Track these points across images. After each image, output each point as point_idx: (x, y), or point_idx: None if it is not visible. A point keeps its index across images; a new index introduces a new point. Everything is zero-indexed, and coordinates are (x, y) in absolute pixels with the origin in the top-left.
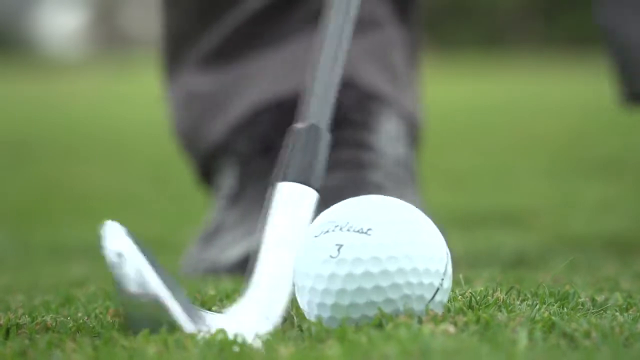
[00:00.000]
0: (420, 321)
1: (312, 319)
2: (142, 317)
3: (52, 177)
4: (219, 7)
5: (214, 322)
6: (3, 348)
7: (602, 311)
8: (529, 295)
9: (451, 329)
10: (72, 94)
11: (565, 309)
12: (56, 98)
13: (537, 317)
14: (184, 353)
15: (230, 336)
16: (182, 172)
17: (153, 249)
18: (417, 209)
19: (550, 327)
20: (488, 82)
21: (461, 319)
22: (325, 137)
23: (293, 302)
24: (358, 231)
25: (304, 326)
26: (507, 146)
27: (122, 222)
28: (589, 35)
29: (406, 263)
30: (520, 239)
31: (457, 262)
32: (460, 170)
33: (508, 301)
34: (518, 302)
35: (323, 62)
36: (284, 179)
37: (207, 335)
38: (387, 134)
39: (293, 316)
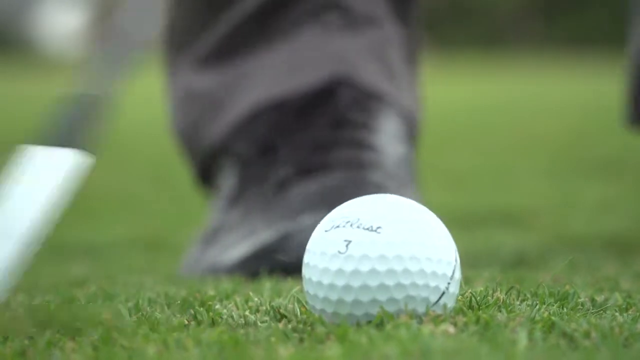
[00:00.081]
0: (420, 321)
1: (317, 313)
2: None
3: None
4: (217, 5)
5: None
6: (3, 348)
7: (601, 311)
8: (528, 295)
9: (451, 329)
10: None
11: (565, 309)
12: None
13: (537, 317)
14: (184, 353)
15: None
16: (182, 172)
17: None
18: (430, 211)
19: (550, 327)
20: (488, 82)
21: (461, 319)
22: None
23: (294, 299)
24: (368, 229)
25: (306, 324)
26: (507, 146)
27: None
28: (589, 35)
29: (413, 264)
30: (520, 239)
31: None
32: (460, 170)
33: (508, 301)
34: (518, 302)
35: None
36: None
37: (208, 335)
38: (387, 133)
39: (295, 314)
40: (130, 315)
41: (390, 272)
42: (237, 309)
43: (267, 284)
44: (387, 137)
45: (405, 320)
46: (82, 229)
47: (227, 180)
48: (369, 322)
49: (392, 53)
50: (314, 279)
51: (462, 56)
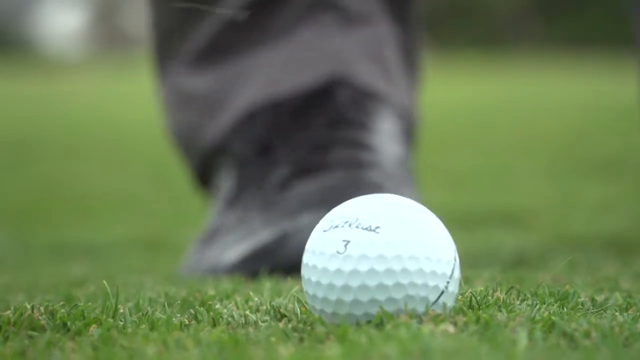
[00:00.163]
0: (420, 321)
1: (316, 313)
2: None
3: (52, 177)
4: (207, 1)
5: None
6: (3, 348)
7: (602, 311)
8: (529, 295)
9: (451, 329)
10: (72, 94)
11: (565, 309)
12: (56, 98)
13: (537, 317)
14: (184, 353)
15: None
16: (182, 172)
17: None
18: (429, 210)
19: (550, 327)
20: (488, 82)
21: (461, 319)
22: None
23: (294, 298)
24: (366, 228)
25: (306, 324)
26: (507, 146)
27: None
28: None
29: (412, 263)
30: (520, 239)
31: None
32: (460, 170)
33: (508, 301)
34: (518, 302)
35: None
36: None
37: (208, 335)
38: (385, 133)
39: (296, 313)
40: (130, 315)
41: (389, 272)
42: (238, 308)
43: (267, 284)
44: (384, 136)
45: (405, 319)
46: (82, 229)
47: (225, 180)
48: (369, 322)
49: (388, 52)
50: (313, 279)
51: (462, 56)
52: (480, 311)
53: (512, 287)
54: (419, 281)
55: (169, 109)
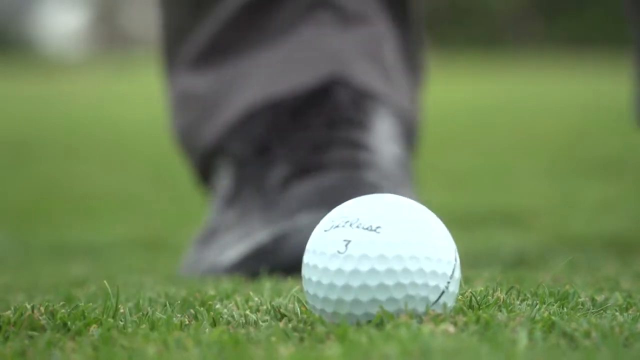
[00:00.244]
0: (420, 321)
1: (317, 313)
2: None
3: (52, 177)
4: (204, 4)
5: None
6: (3, 348)
7: (602, 311)
8: (529, 295)
9: (451, 329)
10: (72, 94)
11: (565, 309)
12: (56, 98)
13: (537, 317)
14: (184, 353)
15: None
16: (182, 172)
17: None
18: (429, 210)
19: (550, 327)
20: (488, 82)
21: (461, 319)
22: None
23: (294, 298)
24: (367, 228)
25: (306, 324)
26: (507, 146)
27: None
28: (589, 35)
29: (412, 263)
30: (520, 239)
31: None
32: (460, 170)
33: (508, 301)
34: (518, 302)
35: None
36: None
37: (208, 335)
38: (382, 133)
39: (296, 313)
40: (130, 315)
41: (390, 272)
42: (238, 308)
43: (267, 284)
44: (382, 136)
45: (405, 319)
46: (82, 229)
47: (224, 180)
48: (369, 321)
49: (387, 52)
50: (314, 278)
51: (462, 56)
52: (481, 311)
53: (512, 287)
54: (420, 281)
55: (172, 108)
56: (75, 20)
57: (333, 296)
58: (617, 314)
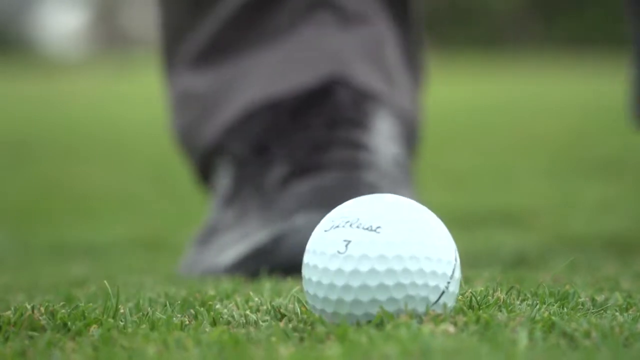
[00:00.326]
0: (420, 321)
1: (317, 313)
2: None
3: (52, 177)
4: (204, 4)
5: None
6: (3, 348)
7: (602, 311)
8: (529, 295)
9: (451, 329)
10: (72, 94)
11: (565, 309)
12: (56, 98)
13: (537, 317)
14: (184, 353)
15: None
16: (182, 172)
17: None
18: (429, 210)
19: (550, 327)
20: (488, 82)
21: (461, 319)
22: None
23: (294, 298)
24: (367, 228)
25: (306, 324)
26: (507, 146)
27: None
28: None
29: (412, 263)
30: (520, 239)
31: None
32: (460, 170)
33: (508, 301)
34: (518, 302)
35: None
36: None
37: (208, 335)
38: (382, 133)
39: (296, 313)
40: (130, 315)
41: (390, 272)
42: (238, 308)
43: (267, 284)
44: (382, 137)
45: (405, 319)
46: (82, 229)
47: (223, 179)
48: (369, 321)
49: (387, 52)
50: (314, 279)
51: (462, 56)
52: (481, 311)
53: (512, 287)
54: (420, 281)
55: (172, 107)
56: (75, 20)
57: (333, 296)
58: (617, 314)
